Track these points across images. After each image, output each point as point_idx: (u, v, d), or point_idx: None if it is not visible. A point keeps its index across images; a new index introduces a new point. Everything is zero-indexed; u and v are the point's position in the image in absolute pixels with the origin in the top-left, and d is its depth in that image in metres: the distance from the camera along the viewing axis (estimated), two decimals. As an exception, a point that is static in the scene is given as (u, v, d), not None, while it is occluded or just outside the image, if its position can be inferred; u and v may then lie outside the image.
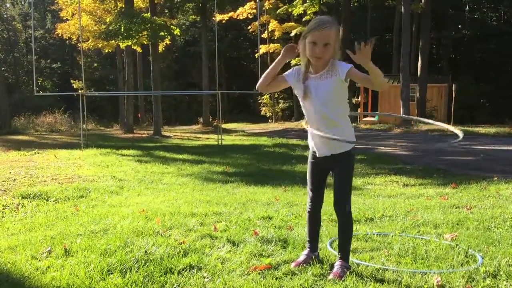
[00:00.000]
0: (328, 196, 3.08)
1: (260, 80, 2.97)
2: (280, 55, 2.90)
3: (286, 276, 2.85)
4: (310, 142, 3.01)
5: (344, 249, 2.94)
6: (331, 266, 2.95)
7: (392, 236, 3.73)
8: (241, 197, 5.68)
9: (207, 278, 2.84)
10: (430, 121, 3.40)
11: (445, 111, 26.36)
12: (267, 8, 31.57)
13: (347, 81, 2.79)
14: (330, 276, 2.78)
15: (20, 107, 27.16)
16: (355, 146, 2.94)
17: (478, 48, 32.28)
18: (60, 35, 27.45)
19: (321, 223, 3.29)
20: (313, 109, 2.85)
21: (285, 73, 2.97)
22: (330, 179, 3.01)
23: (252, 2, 29.45)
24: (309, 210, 3.10)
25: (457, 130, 3.05)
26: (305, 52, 2.79)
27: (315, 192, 3.05)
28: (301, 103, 2.95)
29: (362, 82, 2.80)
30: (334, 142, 2.83)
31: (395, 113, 24.84)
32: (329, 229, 3.91)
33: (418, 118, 4.10)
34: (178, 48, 40.98)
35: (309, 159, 3.06)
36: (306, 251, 3.11)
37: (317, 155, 2.96)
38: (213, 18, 26.58)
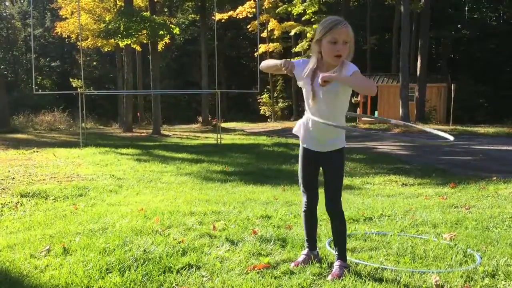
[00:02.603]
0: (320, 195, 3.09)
1: (263, 64, 3.01)
2: (280, 64, 2.86)
3: (285, 275, 2.85)
4: (305, 138, 2.97)
5: (341, 248, 2.94)
6: (330, 265, 2.96)
7: (391, 235, 3.73)
8: (240, 196, 5.68)
9: (206, 277, 2.84)
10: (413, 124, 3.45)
11: (444, 111, 26.36)
12: (266, 7, 31.55)
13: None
14: (329, 277, 2.78)
15: (19, 105, 27.07)
16: (345, 146, 2.96)
17: (477, 48, 32.26)
18: (59, 33, 27.40)
19: (319, 222, 3.28)
20: (318, 106, 2.83)
21: (294, 61, 2.93)
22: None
23: (252, 1, 29.43)
24: (305, 209, 3.09)
25: (443, 134, 3.07)
26: (318, 54, 2.79)
27: (309, 189, 3.04)
28: (305, 98, 2.93)
29: (360, 90, 2.80)
30: (328, 139, 2.86)
31: (394, 113, 24.85)
32: (327, 228, 3.91)
33: (407, 123, 4.03)
34: (177, 47, 40.92)
35: (300, 157, 3.05)
36: (305, 251, 3.12)
37: (307, 146, 2.95)
38: (213, 17, 26.57)
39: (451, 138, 2.89)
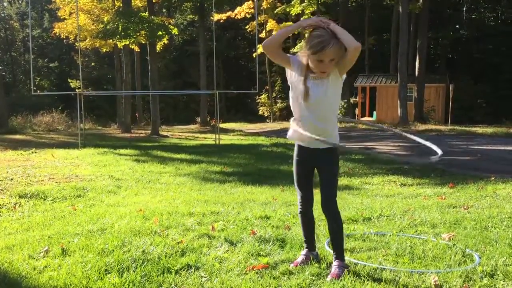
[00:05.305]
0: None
1: (273, 37, 2.89)
2: (298, 24, 2.87)
3: (284, 276, 2.85)
4: (295, 133, 2.97)
5: (339, 248, 2.94)
6: (329, 265, 2.96)
7: (390, 235, 3.73)
8: (238, 197, 5.68)
9: (205, 277, 2.84)
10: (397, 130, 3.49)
11: (442, 111, 26.41)
12: (265, 7, 31.54)
13: (342, 76, 2.82)
14: (328, 278, 2.78)
15: (17, 106, 27.06)
16: (345, 146, 2.96)
17: (475, 48, 32.33)
18: (57, 34, 27.33)
19: (318, 223, 3.28)
20: (308, 108, 2.85)
21: (292, 56, 2.95)
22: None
23: (250, 2, 29.41)
24: (300, 210, 3.10)
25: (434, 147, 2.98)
26: (308, 61, 2.81)
27: (304, 190, 3.05)
28: (293, 99, 2.92)
29: (348, 54, 2.73)
30: (320, 135, 2.82)
31: (392, 113, 24.89)
32: (326, 228, 3.90)
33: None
34: (176, 47, 40.92)
35: (295, 157, 3.06)
36: (304, 251, 3.12)
37: (302, 145, 2.94)
38: (211, 18, 26.59)
39: (439, 152, 2.83)
